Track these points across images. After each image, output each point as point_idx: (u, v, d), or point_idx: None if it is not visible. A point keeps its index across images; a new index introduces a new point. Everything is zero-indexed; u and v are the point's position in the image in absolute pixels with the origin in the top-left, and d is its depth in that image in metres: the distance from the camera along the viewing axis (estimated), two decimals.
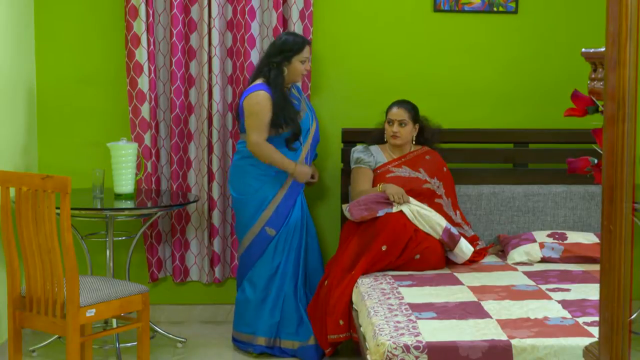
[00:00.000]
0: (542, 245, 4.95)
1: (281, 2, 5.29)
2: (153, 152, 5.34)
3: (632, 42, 1.80)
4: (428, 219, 4.70)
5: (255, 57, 5.27)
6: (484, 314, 3.81)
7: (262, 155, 4.87)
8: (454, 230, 4.76)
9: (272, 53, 4.94)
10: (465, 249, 4.77)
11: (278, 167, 4.89)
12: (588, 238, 5.02)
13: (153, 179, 5.35)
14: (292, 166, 4.90)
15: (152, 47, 5.27)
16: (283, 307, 4.94)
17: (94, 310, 4.08)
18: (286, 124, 4.87)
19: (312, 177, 5.12)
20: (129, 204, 4.96)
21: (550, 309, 3.90)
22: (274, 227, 4.95)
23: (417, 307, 3.91)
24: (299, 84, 5.19)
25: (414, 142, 5.13)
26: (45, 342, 5.05)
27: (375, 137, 5.17)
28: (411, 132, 5.08)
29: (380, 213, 4.65)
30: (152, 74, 5.29)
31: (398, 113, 5.04)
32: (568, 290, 4.25)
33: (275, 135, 4.89)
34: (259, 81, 4.92)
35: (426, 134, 5.14)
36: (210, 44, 5.28)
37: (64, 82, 5.43)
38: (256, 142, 4.85)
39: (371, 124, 5.28)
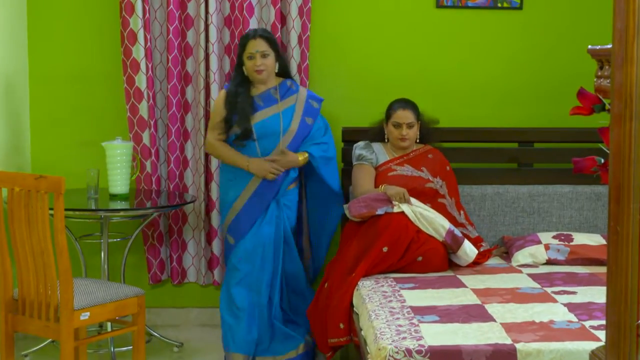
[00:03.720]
0: (547, 247, 4.90)
1: None
2: (152, 151, 5.29)
3: (639, 38, 1.77)
4: (431, 220, 4.65)
5: None
6: (487, 318, 3.76)
7: (214, 154, 4.89)
8: (457, 232, 4.70)
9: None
10: (469, 251, 4.72)
11: (231, 164, 4.80)
12: (594, 239, 4.98)
13: (153, 179, 5.31)
14: (244, 163, 4.77)
15: (149, 44, 5.23)
16: (259, 323, 4.77)
17: (88, 313, 4.09)
18: (237, 123, 4.78)
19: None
20: (124, 204, 4.93)
21: (555, 312, 3.85)
22: (233, 235, 4.83)
23: (419, 310, 3.87)
24: (289, 83, 4.96)
25: (417, 141, 5.08)
26: (39, 346, 5.02)
27: (375, 135, 5.10)
28: (417, 132, 5.03)
29: (380, 211, 4.60)
30: (150, 72, 5.24)
31: (406, 115, 4.97)
32: (574, 293, 4.21)
33: (232, 135, 4.83)
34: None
35: (422, 130, 5.08)
36: (207, 40, 5.23)
37: (58, 79, 5.40)
38: (207, 141, 4.88)
39: (371, 123, 5.23)
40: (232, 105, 4.77)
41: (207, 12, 5.22)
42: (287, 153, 4.81)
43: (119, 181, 4.97)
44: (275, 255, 4.81)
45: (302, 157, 4.87)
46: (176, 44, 5.26)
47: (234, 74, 4.88)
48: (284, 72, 4.94)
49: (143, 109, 5.21)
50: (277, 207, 4.85)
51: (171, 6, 5.21)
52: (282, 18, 5.30)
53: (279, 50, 4.90)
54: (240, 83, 4.83)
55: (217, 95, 4.96)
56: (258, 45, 4.79)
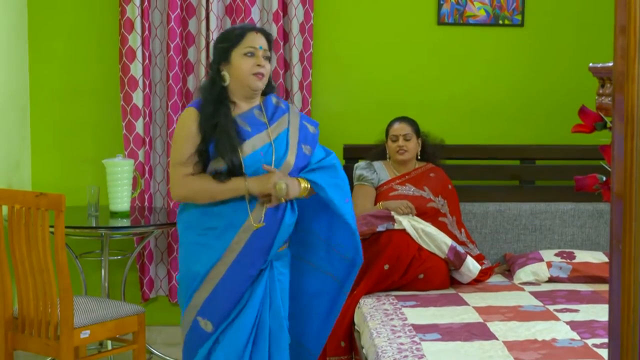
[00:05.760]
0: (549, 265, 4.87)
1: (281, 15, 5.24)
2: (147, 168, 5.27)
3: None
4: (433, 237, 4.62)
5: None
6: (489, 336, 3.74)
7: (192, 196, 3.40)
8: (460, 248, 4.67)
9: (213, 58, 3.58)
10: (472, 267, 4.68)
11: (225, 196, 3.37)
12: (597, 257, 4.95)
13: (146, 196, 5.28)
14: (241, 185, 3.35)
15: (147, 61, 5.22)
16: None
17: (88, 331, 4.04)
18: (220, 155, 3.36)
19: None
20: (124, 222, 4.88)
21: (558, 331, 3.83)
22: (209, 318, 3.41)
23: (421, 329, 3.85)
24: (275, 100, 3.64)
25: (418, 158, 5.05)
26: None
27: (377, 154, 5.08)
28: (416, 147, 5.00)
29: (380, 228, 4.56)
30: (147, 89, 5.22)
31: (401, 127, 4.96)
32: (576, 311, 4.19)
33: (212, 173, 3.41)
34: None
35: (427, 150, 5.06)
36: (208, 57, 5.22)
37: (58, 96, 5.37)
38: (175, 182, 3.42)
39: (373, 141, 5.20)
40: (209, 130, 3.38)
41: (207, 29, 5.21)
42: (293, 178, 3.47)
43: (120, 198, 4.92)
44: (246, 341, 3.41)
45: (304, 184, 3.51)
46: (177, 61, 5.25)
47: (207, 84, 3.51)
48: (269, 86, 3.64)
49: (139, 126, 5.18)
50: (269, 274, 3.48)
51: (172, 24, 5.20)
52: (285, 35, 5.29)
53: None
54: (218, 98, 3.45)
55: (180, 116, 3.52)
56: (261, 41, 3.50)
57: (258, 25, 5.19)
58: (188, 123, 3.41)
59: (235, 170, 3.35)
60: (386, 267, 4.51)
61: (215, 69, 3.49)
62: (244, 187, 3.34)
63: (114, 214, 4.94)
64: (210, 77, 3.50)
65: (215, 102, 3.42)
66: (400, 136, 4.95)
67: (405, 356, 3.45)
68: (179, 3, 5.22)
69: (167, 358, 5.10)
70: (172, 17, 5.19)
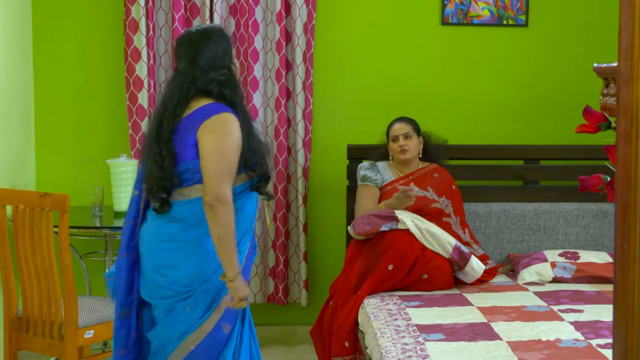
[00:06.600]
0: (553, 265, 4.87)
1: (284, 15, 5.24)
2: None
3: None
4: (437, 237, 4.61)
5: (258, 70, 5.22)
6: (494, 336, 3.74)
7: (219, 219, 3.14)
8: (464, 248, 4.67)
9: (227, 56, 3.38)
10: (476, 266, 4.68)
11: (219, 253, 3.17)
12: (601, 257, 4.94)
13: None
14: (235, 270, 3.20)
15: (152, 61, 5.22)
16: None
17: (92, 331, 4.06)
18: (260, 165, 3.33)
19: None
20: None
21: (562, 331, 3.82)
22: (229, 321, 3.33)
23: (425, 329, 3.85)
24: None
25: (420, 158, 5.04)
26: None
27: (380, 154, 5.07)
28: (417, 146, 4.99)
29: (384, 227, 4.56)
30: (152, 89, 5.23)
31: (401, 127, 4.96)
32: (581, 311, 4.18)
33: (244, 181, 3.34)
34: (207, 100, 3.30)
35: (430, 150, 5.05)
36: None
37: (63, 97, 5.37)
38: (228, 197, 3.17)
39: (376, 141, 5.20)
40: (252, 138, 3.34)
41: None
42: None
43: (124, 198, 4.92)
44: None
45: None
46: None
47: (237, 87, 3.36)
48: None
49: (145, 126, 5.18)
50: None
51: (176, 24, 5.20)
52: (287, 35, 5.29)
53: None
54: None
55: (227, 121, 3.25)
56: None
57: (261, 25, 5.26)
58: (238, 133, 3.24)
59: (268, 175, 3.36)
60: (390, 267, 4.50)
61: (233, 69, 3.36)
62: (232, 276, 3.19)
63: (118, 214, 4.94)
64: (234, 78, 3.34)
65: (245, 107, 3.36)
66: (400, 135, 4.95)
67: (409, 356, 3.45)
68: (183, 3, 5.22)
69: None
70: (177, 17, 5.19)
